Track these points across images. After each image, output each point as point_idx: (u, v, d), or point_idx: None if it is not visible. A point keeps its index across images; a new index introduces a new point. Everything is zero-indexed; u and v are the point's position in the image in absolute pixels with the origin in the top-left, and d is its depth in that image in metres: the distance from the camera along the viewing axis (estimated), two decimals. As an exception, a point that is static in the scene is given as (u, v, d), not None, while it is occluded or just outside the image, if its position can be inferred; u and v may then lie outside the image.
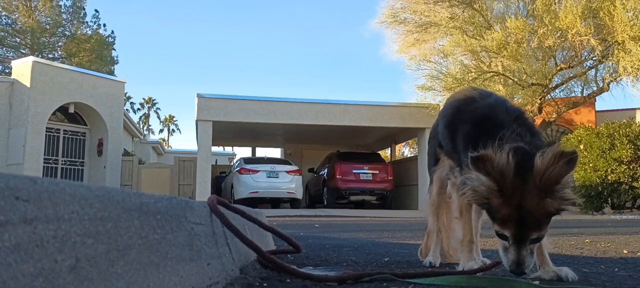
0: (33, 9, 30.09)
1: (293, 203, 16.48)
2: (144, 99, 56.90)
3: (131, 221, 0.99)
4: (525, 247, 1.55)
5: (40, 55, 27.28)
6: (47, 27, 30.69)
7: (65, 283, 0.74)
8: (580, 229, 5.85)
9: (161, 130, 60.53)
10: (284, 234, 2.21)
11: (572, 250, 3.25)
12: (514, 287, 1.58)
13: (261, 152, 24.63)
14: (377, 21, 17.97)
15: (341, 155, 17.16)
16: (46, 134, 16.42)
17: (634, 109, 18.82)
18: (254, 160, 17.39)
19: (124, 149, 19.35)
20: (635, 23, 13.81)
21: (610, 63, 15.27)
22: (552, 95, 17.02)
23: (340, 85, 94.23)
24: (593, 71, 16.62)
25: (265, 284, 1.55)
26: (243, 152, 47.18)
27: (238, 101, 16.70)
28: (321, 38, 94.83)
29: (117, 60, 34.21)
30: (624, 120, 13.23)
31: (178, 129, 63.89)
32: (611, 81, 15.71)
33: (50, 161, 16.97)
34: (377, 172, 16.57)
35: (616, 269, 2.21)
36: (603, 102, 23.64)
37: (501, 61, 16.02)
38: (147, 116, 57.72)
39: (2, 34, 29.41)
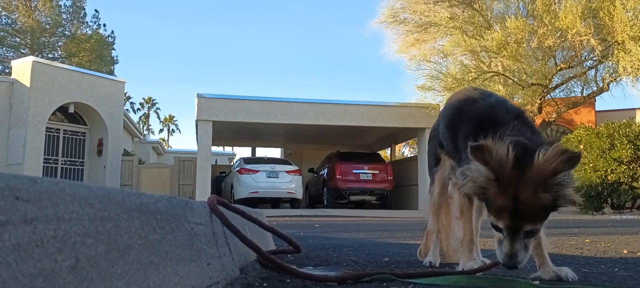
0: (33, 8, 30.09)
1: (293, 203, 16.48)
2: (143, 98, 56.95)
3: (131, 221, 0.99)
4: (519, 240, 1.55)
5: (40, 55, 27.28)
6: (47, 27, 30.69)
7: (65, 283, 0.74)
8: (580, 229, 5.85)
9: (161, 130, 60.58)
10: (284, 234, 2.21)
11: (572, 250, 3.25)
12: (514, 287, 1.58)
13: (261, 152, 24.65)
14: (377, 21, 17.99)
15: (341, 155, 17.16)
16: (46, 134, 16.41)
17: (634, 109, 18.82)
18: (254, 160, 17.39)
19: (124, 149, 19.34)
20: (635, 23, 13.81)
21: (610, 63, 15.27)
22: (552, 95, 17.02)
23: (340, 85, 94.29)
24: (593, 71, 16.63)
25: (265, 284, 1.55)
26: (243, 152, 47.20)
27: (238, 101, 16.70)
28: (321, 38, 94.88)
29: (117, 60, 34.23)
30: (624, 120, 13.23)
31: (178, 128, 63.95)
32: (611, 81, 15.71)
33: (50, 161, 16.97)
34: (377, 172, 16.57)
35: (616, 269, 2.21)
36: (603, 102, 23.72)
37: (501, 61, 16.02)
38: (147, 116, 57.75)
39: (2, 33, 29.41)
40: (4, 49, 30.18)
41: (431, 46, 18.06)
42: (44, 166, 16.33)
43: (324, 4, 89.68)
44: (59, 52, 31.84)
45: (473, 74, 16.20)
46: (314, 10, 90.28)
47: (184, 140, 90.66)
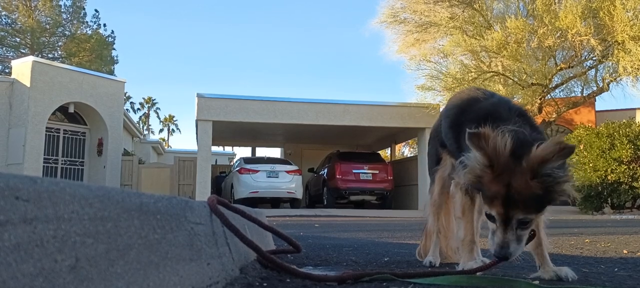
0: (33, 8, 30.09)
1: (293, 203, 16.48)
2: (143, 98, 56.96)
3: (131, 221, 0.99)
4: (511, 230, 1.55)
5: (40, 55, 27.28)
6: (47, 26, 30.68)
7: (65, 283, 0.74)
8: (580, 229, 5.85)
9: (161, 130, 60.58)
10: (284, 234, 2.21)
11: (572, 250, 3.25)
12: (514, 287, 1.58)
13: (261, 151, 24.65)
14: (377, 21, 17.98)
15: (341, 155, 17.16)
16: (46, 134, 16.41)
17: (634, 109, 18.82)
18: (253, 160, 17.38)
19: (124, 149, 19.34)
20: (635, 23, 13.81)
21: (610, 63, 15.27)
22: (552, 95, 17.02)
23: (340, 85, 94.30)
24: (593, 71, 16.63)
25: (265, 284, 1.55)
26: (243, 151, 47.19)
27: (238, 101, 16.70)
28: (321, 38, 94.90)
29: (117, 60, 34.22)
30: (624, 120, 13.23)
31: (178, 128, 63.97)
32: (611, 81, 15.71)
33: (50, 161, 16.97)
34: (377, 172, 16.57)
35: (616, 269, 2.21)
36: (603, 102, 23.74)
37: (501, 61, 16.02)
38: (147, 116, 57.75)
39: (2, 33, 29.41)
40: (4, 48, 30.18)
41: (431, 46, 18.07)
42: (44, 166, 16.33)
43: (324, 4, 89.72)
44: (59, 52, 31.85)
45: (473, 73, 16.20)
46: (314, 10, 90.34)
47: (184, 140, 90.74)
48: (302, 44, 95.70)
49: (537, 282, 1.65)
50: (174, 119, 60.91)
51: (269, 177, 15.61)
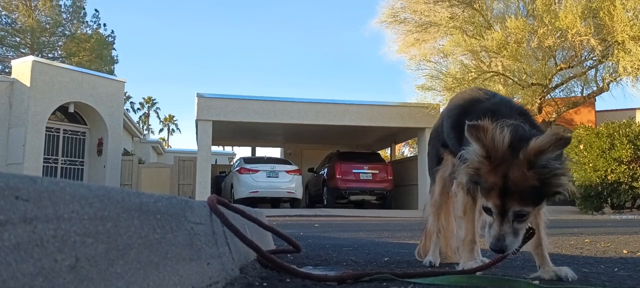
0: (33, 8, 30.08)
1: (293, 203, 16.47)
2: (143, 98, 56.95)
3: (131, 221, 0.99)
4: (507, 222, 1.55)
5: (40, 55, 27.27)
6: (47, 26, 30.68)
7: (65, 283, 0.74)
8: (580, 229, 5.85)
9: (161, 130, 60.58)
10: (284, 234, 2.21)
11: (572, 250, 3.25)
12: (514, 287, 1.58)
13: (261, 151, 24.65)
14: (377, 21, 17.98)
15: (341, 155, 17.16)
16: (46, 134, 16.41)
17: (634, 109, 18.82)
18: (253, 159, 17.38)
19: (124, 149, 19.34)
20: (635, 23, 13.81)
21: (610, 63, 15.27)
22: (552, 95, 17.02)
23: (340, 85, 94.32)
24: (593, 71, 16.63)
25: (265, 284, 1.55)
26: (243, 151, 47.18)
27: (238, 101, 16.69)
28: (321, 38, 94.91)
29: (117, 59, 34.20)
30: (624, 120, 13.23)
31: (178, 128, 63.98)
32: (611, 81, 15.71)
33: (50, 161, 16.97)
34: (377, 171, 16.56)
35: (616, 269, 2.21)
36: (603, 102, 23.77)
37: (501, 61, 16.02)
38: (147, 116, 57.74)
39: (2, 33, 29.41)
40: (4, 48, 30.18)
41: (431, 46, 18.07)
42: (43, 166, 16.33)
43: (324, 4, 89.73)
44: (59, 52, 31.84)
45: (473, 73, 16.20)
46: (314, 10, 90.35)
47: (184, 140, 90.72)
48: (302, 44, 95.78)
49: (537, 282, 1.65)
50: (174, 118, 60.96)
51: (268, 176, 15.61)
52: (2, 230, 0.66)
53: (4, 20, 29.65)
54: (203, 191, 15.78)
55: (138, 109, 55.89)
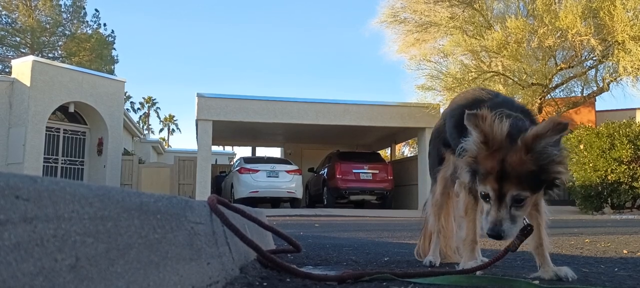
0: (33, 8, 30.09)
1: (293, 202, 16.47)
2: (144, 98, 56.94)
3: (131, 220, 0.99)
4: (505, 208, 1.56)
5: (40, 55, 27.27)
6: (47, 26, 30.68)
7: (65, 282, 0.74)
8: (580, 229, 5.85)
9: (161, 130, 60.57)
10: (284, 234, 2.21)
11: (572, 250, 3.25)
12: (514, 287, 1.58)
13: (261, 151, 24.63)
14: (377, 21, 17.98)
15: (341, 155, 17.16)
16: (46, 133, 16.41)
17: (634, 109, 18.81)
18: (254, 159, 17.38)
19: (124, 149, 19.34)
20: (636, 23, 13.81)
21: (611, 63, 15.27)
22: (552, 95, 17.02)
23: (340, 85, 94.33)
24: (593, 71, 16.63)
25: (265, 283, 1.55)
26: (243, 151, 47.16)
27: (238, 101, 16.70)
28: (321, 38, 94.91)
29: (117, 59, 34.21)
30: (624, 120, 13.23)
31: (178, 128, 63.94)
32: (611, 81, 15.71)
33: (50, 160, 16.97)
34: (377, 171, 16.56)
35: (616, 269, 2.21)
36: (603, 102, 23.77)
37: (501, 61, 16.02)
38: (147, 115, 57.74)
39: (2, 33, 29.41)
40: (4, 48, 30.19)
41: (431, 46, 18.07)
42: (44, 165, 16.33)
43: (324, 4, 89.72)
44: (59, 52, 31.85)
45: (473, 73, 16.20)
46: (314, 10, 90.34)
47: (184, 140, 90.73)
48: (302, 44, 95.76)
49: (537, 282, 1.65)
50: (174, 118, 60.95)
51: (269, 176, 15.61)
52: (3, 229, 0.66)
53: (4, 19, 29.68)
54: (203, 191, 15.78)
55: (138, 108, 55.92)
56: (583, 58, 16.06)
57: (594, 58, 15.75)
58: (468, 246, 1.93)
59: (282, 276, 1.70)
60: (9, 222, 0.67)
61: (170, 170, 19.07)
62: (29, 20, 29.40)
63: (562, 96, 17.38)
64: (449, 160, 2.19)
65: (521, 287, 1.58)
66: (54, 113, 16.67)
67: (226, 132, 18.99)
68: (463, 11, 16.73)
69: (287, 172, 15.94)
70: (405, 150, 38.01)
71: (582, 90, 17.12)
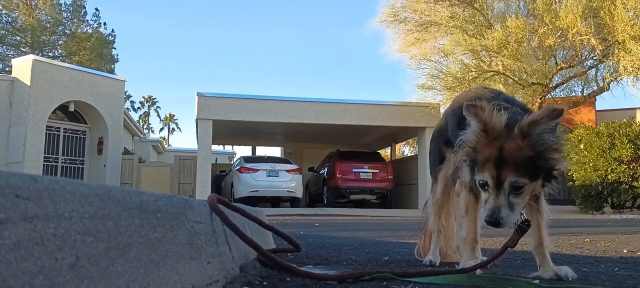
0: (33, 7, 30.09)
1: (293, 202, 16.47)
2: (144, 97, 56.92)
3: (131, 219, 0.99)
4: (503, 195, 1.56)
5: (40, 54, 27.28)
6: (48, 25, 30.68)
7: (65, 282, 0.74)
8: (580, 229, 5.85)
9: (161, 129, 60.54)
10: (284, 233, 2.21)
11: (572, 249, 3.25)
12: (514, 286, 1.58)
13: (261, 150, 24.63)
14: (377, 20, 17.97)
15: (341, 154, 17.16)
16: (46, 132, 16.41)
17: (634, 109, 18.80)
18: (254, 159, 17.38)
19: (124, 148, 19.34)
20: (636, 22, 13.80)
21: (611, 62, 15.26)
22: (552, 94, 17.01)
23: (340, 85, 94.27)
24: (593, 71, 16.62)
25: (265, 283, 1.55)
26: (243, 150, 47.19)
27: (238, 100, 16.69)
28: (321, 38, 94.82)
29: (118, 58, 34.21)
30: (624, 120, 13.23)
31: (178, 127, 63.85)
32: (611, 81, 15.70)
33: (51, 159, 16.97)
34: (377, 171, 16.56)
35: (616, 268, 2.21)
36: (603, 102, 23.76)
37: (501, 60, 16.01)
38: (147, 115, 57.73)
39: (3, 32, 29.42)
40: (4, 47, 30.20)
41: (432, 45, 18.05)
42: (44, 164, 16.33)
43: (324, 4, 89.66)
44: (60, 51, 31.85)
45: (473, 73, 16.19)
46: (314, 10, 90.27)
47: (184, 139, 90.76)
48: (302, 44, 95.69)
49: (537, 282, 1.65)
50: (174, 117, 60.93)
51: (269, 176, 15.61)
52: (3, 228, 0.66)
53: (4, 19, 29.68)
54: (203, 190, 15.79)
55: (138, 107, 55.88)
56: (583, 57, 16.06)
57: (595, 57, 15.74)
58: (468, 245, 1.93)
59: (282, 275, 1.70)
60: (9, 221, 0.67)
61: (170, 170, 19.07)
62: (29, 19, 29.40)
63: (562, 96, 17.37)
64: (450, 159, 2.19)
65: (521, 286, 1.58)
66: (54, 112, 16.68)
67: (226, 131, 18.99)
68: (463, 10, 16.73)
69: (287, 171, 15.94)
70: (405, 149, 38.01)
71: (583, 89, 17.13)
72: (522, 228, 1.72)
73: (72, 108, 17.15)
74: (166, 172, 19.05)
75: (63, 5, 31.66)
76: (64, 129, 17.56)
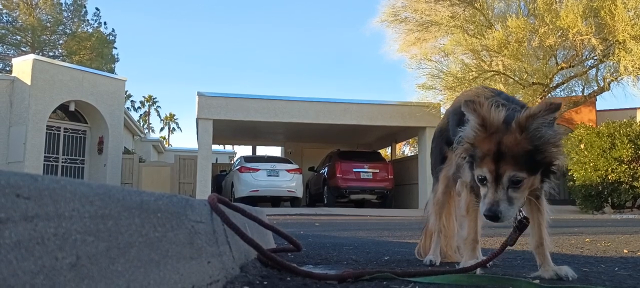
0: (34, 6, 30.09)
1: (293, 201, 16.47)
2: (144, 97, 56.92)
3: (132, 219, 0.99)
4: (502, 189, 1.56)
5: (40, 53, 27.28)
6: (48, 25, 30.68)
7: (66, 281, 0.74)
8: (581, 228, 5.85)
9: (162, 129, 60.56)
10: (284, 233, 2.21)
11: (572, 249, 3.25)
12: (515, 286, 1.58)
13: (262, 150, 24.64)
14: (377, 20, 17.96)
15: (342, 154, 17.16)
16: (47, 132, 16.41)
17: (635, 109, 18.78)
18: (254, 158, 17.38)
19: (125, 147, 19.35)
20: (637, 22, 13.79)
21: (611, 62, 15.26)
22: (552, 94, 16.99)
23: (340, 84, 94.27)
24: (594, 70, 16.62)
25: (265, 282, 1.55)
26: (243, 150, 47.14)
27: (238, 99, 16.69)
28: (321, 38, 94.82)
29: (118, 58, 34.22)
30: (625, 120, 13.22)
31: (178, 127, 63.90)
32: (612, 80, 15.69)
33: (51, 159, 16.98)
34: (377, 171, 16.56)
35: (616, 268, 2.21)
36: (604, 102, 23.78)
37: (502, 60, 16.01)
38: (147, 114, 57.73)
39: (3, 31, 29.42)
40: (4, 46, 30.20)
41: (432, 45, 18.05)
42: (44, 164, 16.33)
43: (324, 4, 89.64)
44: (60, 50, 31.85)
45: (474, 72, 16.19)
46: (314, 10, 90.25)
47: (185, 139, 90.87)
48: (302, 44, 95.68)
49: (537, 281, 1.65)
50: (175, 117, 60.93)
51: (269, 175, 15.61)
52: (3, 228, 0.66)
53: (5, 18, 29.68)
54: (203, 190, 15.79)
55: (139, 107, 55.88)
56: (584, 57, 16.05)
57: (595, 57, 15.73)
58: (469, 245, 1.93)
59: (283, 275, 1.70)
60: (10, 220, 0.67)
61: (170, 169, 19.08)
62: (29, 19, 29.40)
63: (562, 95, 17.35)
64: (451, 159, 2.19)
65: (522, 286, 1.58)
66: (54, 112, 16.68)
67: (227, 131, 18.99)
68: (464, 10, 16.72)
69: (288, 171, 15.94)
70: (405, 149, 38.00)
71: (583, 89, 17.12)
72: (521, 225, 1.72)
73: (72, 107, 17.15)
74: (166, 171, 19.06)
75: (63, 5, 31.68)
76: (65, 128, 17.56)
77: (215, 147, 21.12)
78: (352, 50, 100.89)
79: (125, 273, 0.89)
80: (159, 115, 59.04)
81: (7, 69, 26.70)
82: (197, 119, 16.38)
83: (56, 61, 19.37)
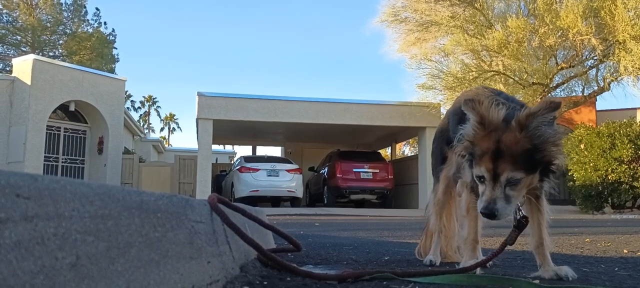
0: (34, 6, 30.09)
1: (293, 202, 16.47)
2: (144, 97, 56.92)
3: (132, 219, 0.99)
4: (499, 187, 1.56)
5: (41, 53, 27.28)
6: (48, 25, 30.68)
7: (66, 281, 0.74)
8: (581, 229, 5.85)
9: (162, 129, 60.55)
10: (284, 233, 2.21)
11: (572, 249, 3.25)
12: (515, 286, 1.58)
13: (262, 150, 24.64)
14: (377, 20, 17.97)
15: (342, 154, 17.16)
16: (47, 132, 16.42)
17: (635, 109, 18.78)
18: (254, 158, 17.38)
19: (125, 147, 19.35)
20: (637, 22, 13.79)
21: (611, 62, 15.25)
22: (552, 94, 16.99)
23: (340, 84, 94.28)
24: (594, 70, 16.62)
25: (265, 282, 1.55)
26: (243, 150, 47.16)
27: (239, 99, 16.69)
28: (321, 38, 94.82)
29: (118, 58, 34.21)
30: (625, 120, 13.22)
31: (178, 127, 63.90)
32: (612, 81, 15.69)
33: (51, 159, 16.98)
34: (377, 171, 16.56)
35: (616, 268, 2.21)
36: (604, 102, 23.81)
37: (502, 60, 16.01)
38: (147, 114, 57.73)
39: (3, 31, 29.42)
40: (4, 46, 30.20)
41: (432, 45, 18.05)
42: (44, 164, 16.33)
43: (324, 4, 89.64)
44: (60, 50, 31.85)
45: (474, 73, 16.19)
46: (314, 10, 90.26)
47: (185, 139, 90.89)
48: (302, 44, 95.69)
49: (537, 281, 1.65)
50: (175, 117, 60.93)
51: (269, 175, 15.61)
52: (3, 227, 0.66)
53: (5, 18, 29.68)
54: (203, 190, 15.79)
55: (139, 107, 55.88)
56: (584, 57, 16.05)
57: (595, 57, 15.73)
58: (469, 245, 1.93)
59: (283, 275, 1.69)
60: (10, 220, 0.67)
61: (170, 169, 19.08)
62: (29, 19, 29.40)
63: (562, 96, 17.35)
64: (451, 159, 2.19)
65: (522, 286, 1.58)
66: (54, 112, 16.68)
67: (227, 131, 18.99)
68: (464, 10, 16.72)
69: (288, 171, 15.94)
70: (405, 149, 38.00)
71: (583, 89, 17.12)
72: (521, 224, 1.72)
73: (72, 107, 17.15)
74: (166, 171, 19.06)
75: (63, 5, 31.68)
76: (65, 128, 17.57)
77: (215, 147, 21.12)
78: (352, 50, 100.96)
79: (125, 273, 0.89)
80: (159, 115, 59.07)
81: (7, 69, 26.70)
82: (197, 119, 16.38)
83: (56, 61, 19.37)
